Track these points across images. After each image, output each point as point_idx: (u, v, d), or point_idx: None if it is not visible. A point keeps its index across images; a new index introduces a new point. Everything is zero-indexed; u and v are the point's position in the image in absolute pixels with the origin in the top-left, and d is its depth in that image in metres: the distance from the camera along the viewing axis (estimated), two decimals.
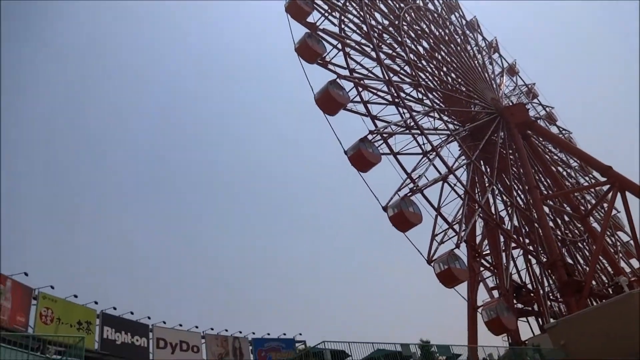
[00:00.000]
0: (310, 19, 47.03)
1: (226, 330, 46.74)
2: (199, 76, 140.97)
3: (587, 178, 61.89)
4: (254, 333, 48.69)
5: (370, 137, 41.97)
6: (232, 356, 46.22)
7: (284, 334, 50.16)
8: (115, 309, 37.06)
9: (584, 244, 52.68)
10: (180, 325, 43.34)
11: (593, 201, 57.21)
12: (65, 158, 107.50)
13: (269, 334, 49.63)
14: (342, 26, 50.06)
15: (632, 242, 56.47)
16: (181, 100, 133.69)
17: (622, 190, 44.53)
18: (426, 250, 41.03)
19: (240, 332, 47.93)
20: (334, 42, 47.78)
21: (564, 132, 66.24)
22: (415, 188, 41.57)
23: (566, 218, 54.60)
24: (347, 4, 50.62)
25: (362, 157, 40.56)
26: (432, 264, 39.01)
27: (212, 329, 45.57)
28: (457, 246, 39.81)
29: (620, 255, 55.21)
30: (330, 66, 46.74)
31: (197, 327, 44.69)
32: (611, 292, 44.57)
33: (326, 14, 48.95)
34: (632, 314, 29.55)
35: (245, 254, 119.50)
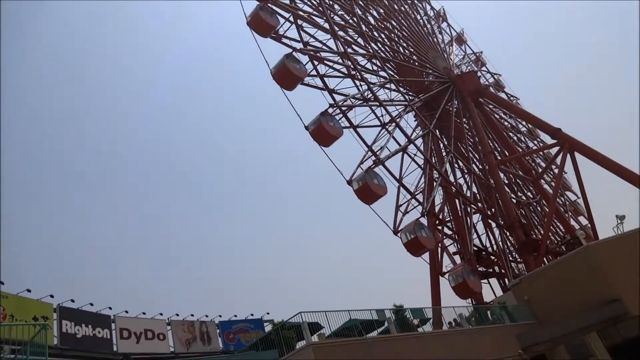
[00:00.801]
0: None
1: (192, 315, 46.02)
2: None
3: (535, 142, 64.65)
4: (220, 316, 48.19)
5: (330, 110, 41.75)
6: (199, 341, 45.69)
7: (252, 315, 49.97)
8: (73, 301, 35.61)
9: (537, 205, 55.22)
10: (144, 313, 42.23)
11: (543, 164, 59.87)
12: None
13: (235, 316, 49.27)
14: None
15: (579, 201, 60.19)
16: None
17: (572, 151, 46.63)
18: (391, 222, 41.83)
19: (207, 316, 47.33)
20: (286, 15, 46.82)
21: (512, 98, 68.55)
22: (377, 160, 41.87)
23: (519, 181, 56.96)
24: None
25: (324, 131, 40.38)
26: (399, 234, 39.74)
27: (177, 315, 44.72)
28: (423, 215, 40.71)
29: (570, 214, 58.35)
30: (283, 40, 45.87)
31: (161, 314, 43.71)
32: (564, 249, 47.11)
33: None
34: (590, 265, 31.37)
35: (210, 239, 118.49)
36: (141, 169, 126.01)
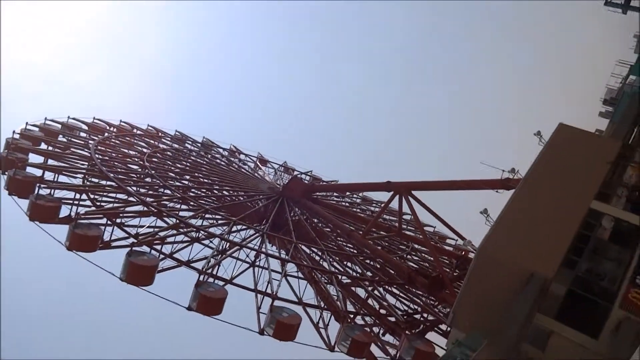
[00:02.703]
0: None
1: None
2: None
3: (373, 206, 72.08)
4: None
5: (202, 278, 40.93)
6: None
7: None
8: None
9: (413, 253, 60.46)
10: None
11: (392, 218, 66.42)
12: None
13: None
14: (98, 203, 48.62)
15: (437, 229, 68.10)
16: None
17: (409, 193, 53.30)
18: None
19: None
20: (101, 220, 45.76)
21: (332, 182, 76.00)
22: (272, 296, 41.84)
23: (386, 243, 62.01)
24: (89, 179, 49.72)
25: (208, 302, 39.20)
26: (336, 346, 39.76)
27: None
28: (348, 319, 41.91)
29: (439, 243, 65.19)
30: (113, 244, 44.36)
31: None
32: (457, 273, 51.77)
33: (75, 202, 46.81)
34: (494, 257, 34.52)
35: None
36: None
